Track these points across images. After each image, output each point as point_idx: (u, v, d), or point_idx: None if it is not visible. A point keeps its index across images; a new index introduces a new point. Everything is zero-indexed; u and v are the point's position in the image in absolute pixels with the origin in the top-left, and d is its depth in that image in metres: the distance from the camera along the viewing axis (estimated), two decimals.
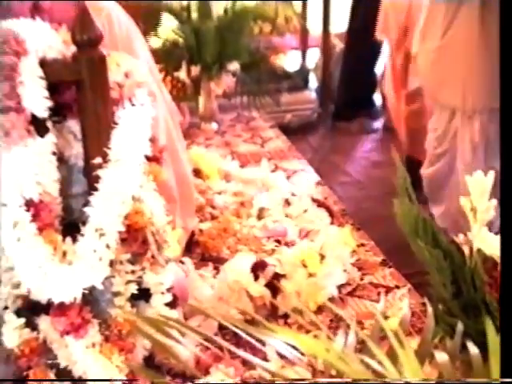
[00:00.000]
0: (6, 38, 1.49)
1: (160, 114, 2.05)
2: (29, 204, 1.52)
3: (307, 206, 3.05)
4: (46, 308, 1.63)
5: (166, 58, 3.59)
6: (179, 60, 3.66)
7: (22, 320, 1.64)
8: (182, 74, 3.68)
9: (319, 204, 3.09)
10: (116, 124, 1.59)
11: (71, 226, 1.63)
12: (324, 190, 3.29)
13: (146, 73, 1.73)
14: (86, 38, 1.52)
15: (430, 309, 1.33)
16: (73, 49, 1.57)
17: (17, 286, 1.61)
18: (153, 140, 1.66)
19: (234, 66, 3.74)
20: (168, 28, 3.76)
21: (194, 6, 3.80)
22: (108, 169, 1.57)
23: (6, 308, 1.64)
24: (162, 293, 1.77)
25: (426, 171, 2.72)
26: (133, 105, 1.63)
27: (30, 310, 1.66)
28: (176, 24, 3.75)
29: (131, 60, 1.70)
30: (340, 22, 4.71)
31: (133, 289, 1.71)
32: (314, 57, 4.91)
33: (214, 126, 4.02)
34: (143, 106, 1.64)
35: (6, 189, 1.48)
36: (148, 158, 1.64)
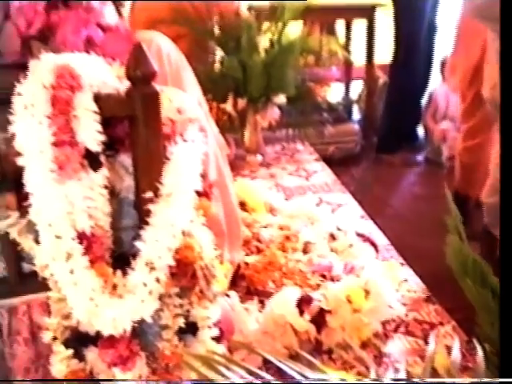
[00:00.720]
0: (62, 73, 1.51)
1: (210, 150, 2.07)
2: (81, 237, 1.54)
3: (352, 241, 3.05)
4: (94, 339, 1.65)
5: (213, 89, 3.63)
6: (226, 92, 3.69)
7: (70, 351, 1.66)
8: (228, 107, 3.72)
9: (364, 239, 3.09)
10: (168, 159, 1.61)
11: (121, 258, 1.65)
12: (368, 224, 3.29)
13: (197, 108, 1.75)
14: (140, 74, 1.54)
15: (479, 350, 1.32)
16: (126, 84, 1.59)
17: (66, 316, 1.63)
18: (203, 175, 1.67)
19: (280, 99, 3.77)
20: (215, 59, 3.81)
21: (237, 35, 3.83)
22: (159, 203, 1.59)
23: (54, 338, 1.66)
24: (209, 327, 1.78)
25: (489, 199, 2.71)
26: (184, 140, 1.64)
27: (79, 340, 1.67)
28: (222, 55, 3.79)
29: (183, 96, 1.72)
30: (384, 53, 4.72)
31: (180, 322, 1.72)
32: (357, 88, 4.92)
33: (259, 158, 4.04)
34: (195, 142, 1.65)
35: (59, 221, 1.50)
36: (198, 193, 1.65)
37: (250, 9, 4.41)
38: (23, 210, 1.58)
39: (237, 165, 3.86)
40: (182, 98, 1.70)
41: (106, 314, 1.55)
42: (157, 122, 1.59)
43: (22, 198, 1.56)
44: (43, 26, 1.78)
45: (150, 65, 1.55)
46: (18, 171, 1.54)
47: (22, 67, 1.69)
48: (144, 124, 1.57)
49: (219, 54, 3.82)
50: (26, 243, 1.61)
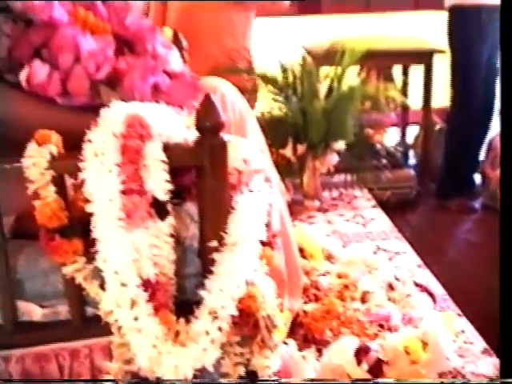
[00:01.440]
0: (133, 122, 1.54)
1: (275, 199, 2.08)
2: (146, 284, 1.55)
3: (410, 291, 3.03)
4: None
5: (273, 135, 3.65)
6: (286, 138, 3.72)
7: None
8: (288, 152, 3.74)
9: (422, 289, 3.07)
10: (233, 209, 1.62)
11: (183, 306, 1.66)
12: (425, 273, 3.26)
13: (263, 158, 1.76)
14: (210, 125, 1.56)
15: None
16: (194, 133, 1.61)
17: (128, 361, 1.63)
18: (267, 225, 1.68)
19: (339, 145, 3.78)
20: (275, 104, 3.85)
21: (299, 82, 3.86)
22: (224, 252, 1.60)
23: (115, 383, 1.67)
24: (269, 376, 1.77)
25: None
26: (250, 191, 1.66)
27: None
28: (282, 100, 3.82)
29: (249, 146, 1.74)
30: (441, 98, 4.70)
31: (241, 371, 1.71)
32: (413, 133, 4.91)
33: (317, 203, 4.04)
34: (260, 192, 1.67)
35: (125, 269, 1.52)
36: (262, 243, 1.66)
37: (308, 53, 4.45)
38: (90, 256, 1.60)
39: (294, 209, 3.86)
40: (249, 149, 1.72)
41: (169, 361, 1.56)
42: (224, 172, 1.61)
43: (89, 243, 1.59)
44: (112, 71, 1.82)
45: (219, 116, 1.57)
46: (86, 217, 1.56)
47: (90, 110, 1.73)
48: (211, 174, 1.59)
49: (280, 99, 3.85)
50: (92, 289, 1.63)
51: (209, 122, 1.56)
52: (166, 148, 1.56)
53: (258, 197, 1.66)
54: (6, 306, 1.73)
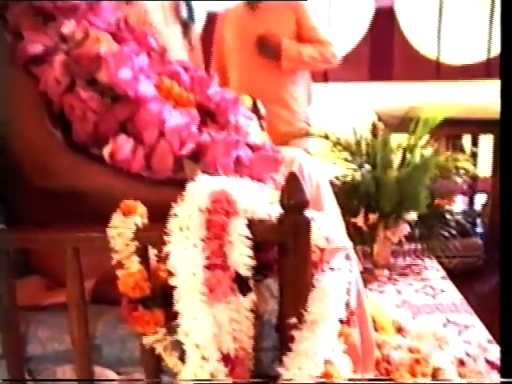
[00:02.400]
0: (219, 198, 1.56)
1: (354, 277, 2.08)
2: (226, 359, 1.56)
3: (481, 368, 2.97)
4: None
5: (346, 203, 3.65)
6: (358, 206, 3.72)
7: None
8: (359, 220, 3.74)
9: (493, 366, 3.01)
10: (314, 287, 1.63)
11: (259, 379, 1.66)
12: (495, 349, 3.20)
13: (346, 238, 1.77)
14: (294, 203, 1.58)
15: None
16: (278, 209, 1.63)
17: None
18: (347, 303, 1.68)
19: (411, 216, 3.77)
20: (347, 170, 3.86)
21: (372, 150, 3.87)
22: (303, 330, 1.60)
23: None
24: None
25: None
26: (331, 269, 1.66)
27: None
28: (355, 167, 3.83)
29: (332, 224, 1.74)
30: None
31: None
32: (481, 202, 4.87)
33: (386, 272, 4.02)
34: (341, 271, 1.67)
35: (206, 343, 1.53)
36: (341, 321, 1.66)
37: (379, 119, 4.46)
38: (170, 327, 1.62)
39: (364, 278, 3.84)
40: (331, 227, 1.73)
41: None
42: (306, 249, 1.61)
43: (169, 315, 1.61)
44: (195, 145, 1.85)
45: (303, 195, 1.58)
46: (168, 288, 1.58)
47: (173, 183, 1.76)
48: (294, 251, 1.60)
49: (352, 166, 3.86)
50: (171, 360, 1.65)
51: (293, 200, 1.58)
52: (250, 224, 1.58)
53: (339, 275, 1.67)
54: (82, 370, 1.76)
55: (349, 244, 1.79)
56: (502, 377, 1.00)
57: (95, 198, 1.77)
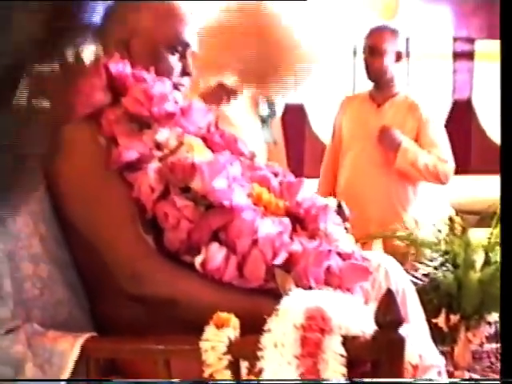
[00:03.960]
0: (314, 315, 1.55)
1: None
2: None
3: None
4: None
5: (426, 303, 3.59)
6: (439, 306, 3.65)
7: None
8: (440, 321, 3.67)
9: None
10: None
11: None
12: None
13: (439, 355, 1.74)
14: (389, 320, 1.56)
15: None
16: (371, 325, 1.60)
17: None
18: None
19: (494, 317, 3.69)
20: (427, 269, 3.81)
21: (453, 249, 3.82)
22: None
23: None
24: None
25: None
26: None
27: None
28: (436, 266, 3.78)
29: (425, 341, 1.72)
30: None
31: None
32: None
33: (467, 375, 3.92)
34: None
35: None
36: None
37: (457, 213, 4.41)
38: None
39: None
40: (424, 343, 1.70)
41: None
42: (400, 367, 1.59)
43: None
44: (287, 256, 1.85)
45: (398, 312, 1.56)
46: None
47: (263, 292, 1.76)
48: (387, 368, 1.58)
49: (433, 265, 3.81)
50: None
51: (389, 317, 1.56)
52: (344, 341, 1.56)
53: None
54: None
55: (442, 361, 1.75)
56: (502, 377, 0.96)
57: (186, 307, 1.77)
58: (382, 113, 4.41)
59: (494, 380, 1.58)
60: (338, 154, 4.57)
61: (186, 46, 2.08)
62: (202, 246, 1.80)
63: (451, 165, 4.38)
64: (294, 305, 1.58)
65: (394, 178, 4.36)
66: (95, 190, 1.88)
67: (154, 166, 1.86)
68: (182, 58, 2.09)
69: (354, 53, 5.78)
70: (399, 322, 1.57)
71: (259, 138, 4.04)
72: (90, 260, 1.89)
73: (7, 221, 1.85)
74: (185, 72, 2.10)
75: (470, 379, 1.63)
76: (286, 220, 1.92)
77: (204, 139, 2.10)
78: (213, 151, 2.06)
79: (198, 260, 1.78)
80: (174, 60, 2.07)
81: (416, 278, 3.79)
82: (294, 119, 5.62)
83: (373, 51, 4.32)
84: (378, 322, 1.57)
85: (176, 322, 1.76)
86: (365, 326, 1.61)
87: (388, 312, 1.56)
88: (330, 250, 1.89)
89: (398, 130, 4.29)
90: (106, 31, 2.10)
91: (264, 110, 4.11)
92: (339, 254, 1.98)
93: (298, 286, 1.77)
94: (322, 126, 5.88)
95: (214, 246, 1.79)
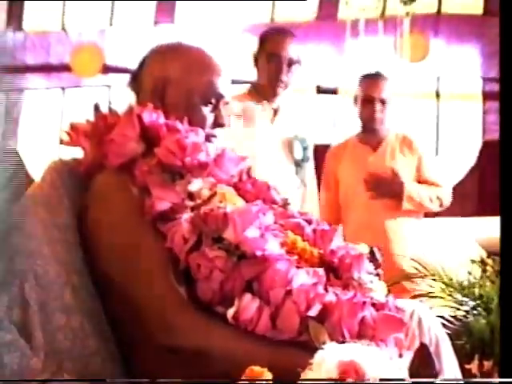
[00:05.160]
0: (347, 369, 1.53)
1: None
2: None
3: None
4: None
5: (458, 348, 3.56)
6: (472, 352, 3.61)
7: None
8: (473, 367, 3.62)
9: None
10: None
11: None
12: None
13: None
14: (424, 374, 1.55)
15: None
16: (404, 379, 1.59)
17: None
18: None
19: None
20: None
21: (485, 292, 3.78)
22: None
23: None
24: None
25: None
26: None
27: None
28: (467, 310, 3.74)
29: None
30: None
31: None
32: None
33: None
34: None
35: None
36: None
37: (488, 255, 4.37)
38: None
39: None
40: None
41: None
42: None
43: None
44: (321, 307, 1.84)
45: (433, 366, 1.55)
46: None
47: (298, 345, 1.75)
48: None
49: (464, 308, 3.77)
50: None
51: (423, 371, 1.55)
52: None
53: None
54: None
55: None
56: (502, 377, 0.95)
57: (219, 360, 1.77)
58: (380, 155, 4.44)
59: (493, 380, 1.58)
60: (337, 204, 4.57)
61: (220, 97, 2.10)
62: (234, 297, 1.79)
63: (448, 188, 4.46)
64: (328, 358, 1.56)
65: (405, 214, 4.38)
66: (128, 240, 1.89)
67: (186, 216, 1.87)
68: (215, 108, 2.10)
69: None
70: (434, 375, 1.56)
71: (293, 183, 4.05)
72: (123, 310, 1.90)
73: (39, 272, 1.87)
74: (217, 123, 2.11)
75: (470, 379, 1.61)
76: (321, 271, 1.92)
77: (236, 187, 2.10)
78: (245, 199, 2.07)
79: (230, 312, 1.77)
80: (206, 111, 2.08)
81: (448, 321, 3.76)
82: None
83: (366, 98, 4.36)
84: (412, 375, 1.56)
85: (209, 375, 1.75)
86: (399, 379, 1.60)
87: (423, 366, 1.55)
88: (365, 302, 1.88)
89: (400, 168, 4.33)
90: (140, 81, 2.12)
91: (298, 154, 4.13)
92: (373, 304, 1.96)
93: (331, 337, 1.76)
94: None
95: (247, 296, 1.79)
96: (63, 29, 6.62)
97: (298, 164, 4.12)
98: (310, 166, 4.30)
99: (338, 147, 4.70)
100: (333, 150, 4.68)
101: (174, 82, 2.06)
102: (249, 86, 4.17)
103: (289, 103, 4.28)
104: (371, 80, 4.45)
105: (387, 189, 4.31)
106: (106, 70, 6.25)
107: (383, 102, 4.38)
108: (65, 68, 6.57)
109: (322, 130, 5.49)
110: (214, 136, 2.11)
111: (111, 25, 6.35)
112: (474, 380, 1.10)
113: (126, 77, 2.17)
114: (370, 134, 4.49)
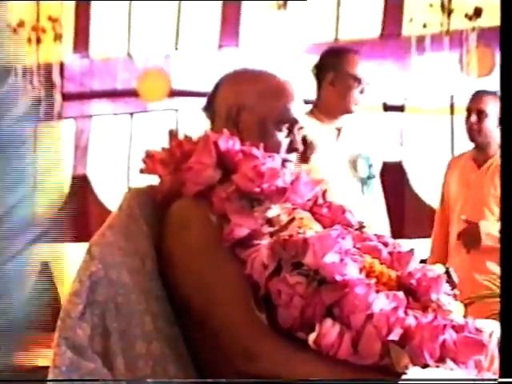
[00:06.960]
0: None
1: None
2: None
3: None
4: None
5: None
6: None
7: None
8: None
9: None
10: None
11: None
12: None
13: None
14: None
15: None
16: None
17: None
18: None
19: None
20: None
21: None
22: None
23: None
24: None
25: None
26: None
27: None
28: None
29: None
30: None
31: None
32: None
33: None
34: None
35: None
36: None
37: None
38: None
39: None
40: None
41: None
42: None
43: None
44: (402, 331, 1.82)
45: None
46: None
47: (379, 370, 1.74)
48: None
49: None
50: None
51: None
52: None
53: None
54: None
55: None
56: (502, 377, 0.91)
57: None
58: (481, 174, 4.37)
59: (493, 380, 1.53)
60: (447, 218, 4.51)
61: (294, 122, 2.10)
62: (315, 323, 1.79)
63: None
64: None
65: None
66: (208, 267, 1.90)
67: (265, 242, 1.87)
68: (290, 133, 2.10)
69: (451, 110, 5.71)
70: None
71: (360, 201, 4.01)
72: (202, 337, 1.91)
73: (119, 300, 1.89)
74: (292, 148, 2.11)
75: (470, 379, 1.57)
76: (401, 294, 1.90)
77: (312, 212, 2.10)
78: (321, 223, 2.07)
79: (311, 337, 1.77)
80: (281, 136, 2.09)
81: None
82: (393, 178, 5.54)
83: (475, 114, 4.30)
84: None
85: None
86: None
87: None
88: (445, 325, 1.86)
89: (495, 192, 4.26)
90: (213, 107, 2.13)
91: (363, 171, 4.10)
92: (453, 327, 1.94)
93: (413, 361, 1.75)
94: (421, 184, 5.79)
95: (328, 322, 1.79)
96: (129, 54, 6.65)
97: (364, 182, 4.09)
98: (376, 183, 4.26)
99: (455, 158, 4.69)
100: (451, 161, 4.67)
101: (249, 107, 2.07)
102: (311, 105, 4.14)
103: (352, 121, 4.26)
104: (481, 95, 4.43)
105: (469, 237, 4.27)
106: (173, 94, 6.26)
107: (494, 118, 4.34)
108: (132, 93, 6.62)
109: (389, 147, 5.42)
110: (290, 161, 2.11)
111: (176, 49, 6.38)
112: (474, 380, 1.07)
113: (192, 100, 2.20)
114: (479, 150, 4.45)
